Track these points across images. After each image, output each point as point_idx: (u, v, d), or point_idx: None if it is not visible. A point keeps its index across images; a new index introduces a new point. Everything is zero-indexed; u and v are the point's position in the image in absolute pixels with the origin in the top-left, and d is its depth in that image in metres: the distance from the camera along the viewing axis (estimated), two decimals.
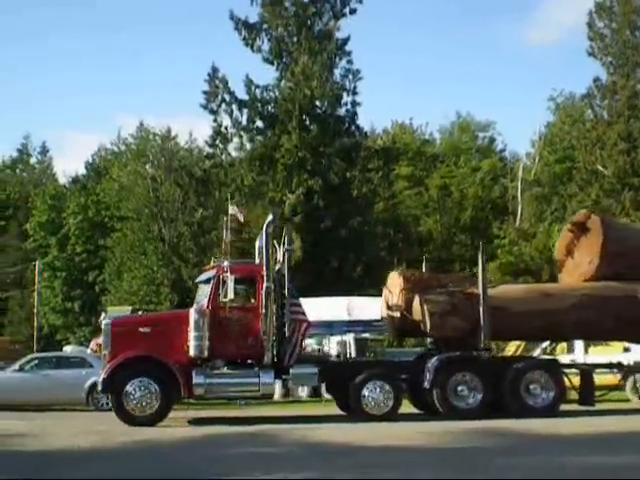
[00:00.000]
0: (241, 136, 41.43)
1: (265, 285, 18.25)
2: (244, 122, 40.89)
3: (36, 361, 26.02)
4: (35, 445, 14.07)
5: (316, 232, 38.09)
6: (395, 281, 20.94)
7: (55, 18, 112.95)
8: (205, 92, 40.77)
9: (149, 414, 17.70)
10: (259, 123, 41.14)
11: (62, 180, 77.48)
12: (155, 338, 18.30)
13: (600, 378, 21.46)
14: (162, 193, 52.27)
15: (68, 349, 39.40)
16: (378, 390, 18.73)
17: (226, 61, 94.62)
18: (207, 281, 19.33)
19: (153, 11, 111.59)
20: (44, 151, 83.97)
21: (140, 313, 31.29)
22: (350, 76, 40.87)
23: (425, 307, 19.54)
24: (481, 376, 19.09)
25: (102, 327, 18.92)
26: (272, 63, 41.27)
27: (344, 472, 10.45)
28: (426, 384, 19.05)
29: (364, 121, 59.78)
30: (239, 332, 18.48)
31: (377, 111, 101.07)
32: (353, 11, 41.19)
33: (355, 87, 40.84)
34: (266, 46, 41.08)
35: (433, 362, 19.17)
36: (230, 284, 18.39)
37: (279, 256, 19.88)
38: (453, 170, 62.76)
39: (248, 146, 41.58)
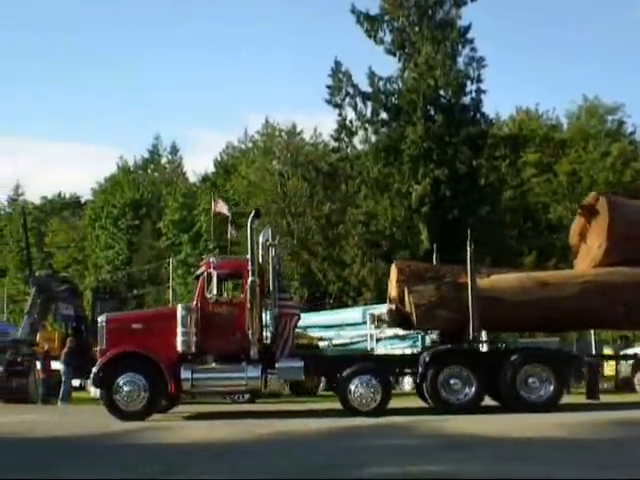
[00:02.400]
0: (366, 129, 41.51)
1: (250, 280, 18.38)
2: (368, 115, 40.97)
3: None
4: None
5: (443, 222, 37.86)
6: (393, 272, 20.64)
7: (181, 30, 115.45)
8: (329, 86, 41.03)
9: (137, 408, 18.20)
10: (383, 115, 41.14)
11: (192, 179, 79.24)
12: (146, 334, 18.78)
13: None
14: (289, 188, 52.86)
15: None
16: (365, 385, 18.49)
17: (349, 55, 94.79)
18: (197, 277, 19.79)
19: (277, 10, 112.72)
20: (174, 151, 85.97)
21: None
22: (474, 64, 40.40)
23: (411, 299, 19.14)
24: (474, 369, 18.54)
25: (98, 324, 19.58)
26: (394, 54, 41.19)
27: (484, 463, 10.42)
28: (417, 378, 18.90)
29: (489, 109, 58.98)
30: (226, 327, 18.74)
31: (502, 98, 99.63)
32: None
33: (479, 75, 40.36)
34: (388, 37, 41.07)
35: (424, 355, 18.89)
36: (215, 280, 18.82)
37: (272, 252, 19.93)
38: (582, 155, 61.22)
39: (373, 138, 41.66)
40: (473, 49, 40.48)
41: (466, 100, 40.95)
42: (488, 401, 18.99)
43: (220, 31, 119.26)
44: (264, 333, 19.25)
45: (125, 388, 18.24)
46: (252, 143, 70.29)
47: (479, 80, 40.39)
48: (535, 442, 12.63)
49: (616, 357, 23.73)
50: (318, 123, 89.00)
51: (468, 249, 19.23)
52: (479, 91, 40.64)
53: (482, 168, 40.66)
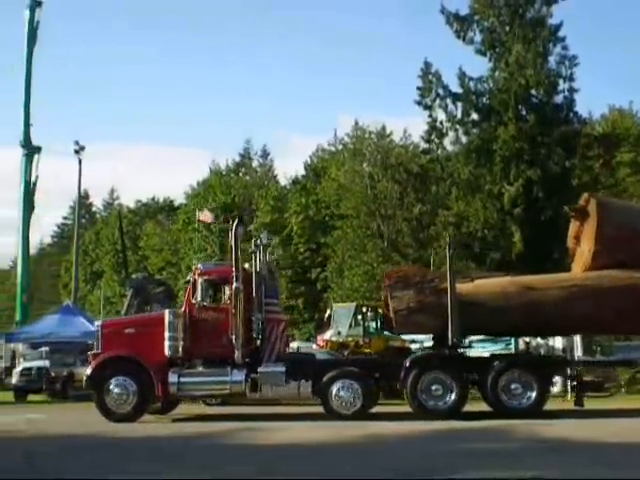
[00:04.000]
0: (456, 130, 41.17)
1: (234, 286, 18.86)
2: (459, 115, 40.63)
3: None
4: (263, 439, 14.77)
5: (537, 223, 37.41)
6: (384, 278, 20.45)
7: (267, 33, 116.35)
8: (419, 88, 40.87)
9: (127, 411, 18.86)
10: (474, 116, 40.77)
11: (283, 181, 79.83)
12: (138, 339, 19.48)
13: None
14: (379, 190, 52.80)
15: (295, 345, 40.50)
16: (346, 389, 18.55)
17: (439, 56, 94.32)
18: (187, 283, 20.36)
19: (365, 11, 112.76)
20: (265, 154, 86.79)
21: (364, 309, 32.01)
22: (565, 62, 39.79)
23: (391, 304, 19.06)
24: (454, 375, 18.42)
25: (94, 330, 20.07)
26: (485, 54, 40.83)
27: (580, 468, 10.34)
28: (399, 383, 18.77)
29: (582, 108, 58.03)
30: (212, 332, 19.24)
31: (595, 97, 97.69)
32: None
33: (571, 73, 39.68)
34: (478, 37, 40.71)
35: (406, 361, 18.76)
36: (200, 286, 19.39)
37: (261, 257, 20.42)
38: None
39: (464, 139, 41.29)
40: (565, 47, 39.87)
41: (558, 99, 40.37)
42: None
43: (308, 33, 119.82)
44: (254, 338, 19.65)
45: (115, 391, 19.05)
46: (342, 145, 70.46)
47: (571, 79, 39.78)
48: (632, 447, 12.45)
49: (599, 363, 23.71)
50: (408, 125, 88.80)
51: (447, 253, 19.46)
52: (571, 90, 40.01)
53: (575, 168, 40.03)
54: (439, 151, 42.06)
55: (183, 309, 19.72)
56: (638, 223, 19.08)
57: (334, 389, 18.84)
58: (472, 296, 19.00)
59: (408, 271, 21.75)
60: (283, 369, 19.27)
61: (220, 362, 19.32)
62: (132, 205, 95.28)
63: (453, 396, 18.47)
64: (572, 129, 40.28)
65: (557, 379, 30.26)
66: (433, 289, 19.21)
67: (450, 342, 18.70)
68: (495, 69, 40.82)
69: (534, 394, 18.35)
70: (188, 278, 20.91)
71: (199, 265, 20.72)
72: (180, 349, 19.20)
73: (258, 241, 20.80)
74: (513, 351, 32.54)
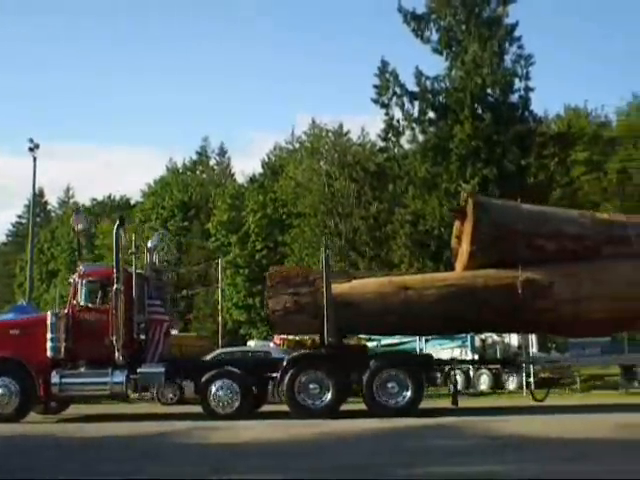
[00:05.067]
0: (413, 128, 41.31)
1: (114, 287, 18.97)
2: (416, 114, 40.77)
3: (223, 356, 26.88)
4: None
5: None
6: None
7: (234, 31, 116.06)
8: (376, 86, 40.94)
9: (10, 411, 19.02)
10: (431, 114, 40.93)
11: (240, 179, 79.67)
12: (22, 340, 19.60)
13: None
14: (337, 189, 52.82)
15: (252, 344, 40.45)
16: (225, 389, 18.79)
17: (396, 54, 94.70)
18: (70, 284, 20.58)
19: (325, 9, 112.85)
20: (222, 152, 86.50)
21: None
22: (521, 61, 40.06)
23: (269, 305, 19.34)
24: (331, 374, 18.54)
25: None
26: (441, 53, 40.98)
27: (536, 464, 10.38)
28: (276, 382, 18.94)
29: (537, 107, 58.48)
30: (94, 333, 19.31)
31: (550, 96, 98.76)
32: None
33: (527, 72, 39.94)
34: (435, 36, 40.88)
35: (283, 360, 19.08)
36: (82, 287, 19.64)
37: (148, 258, 20.79)
38: (632, 153, 60.52)
39: (421, 138, 41.45)
40: (520, 47, 40.13)
41: (514, 98, 40.64)
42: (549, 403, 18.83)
43: (266, 32, 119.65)
44: (135, 339, 19.68)
45: None
46: (299, 144, 70.47)
47: (527, 78, 40.05)
48: (587, 442, 12.54)
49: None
50: (365, 123, 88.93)
51: (322, 255, 19.56)
52: (527, 89, 40.29)
53: (531, 167, 40.32)
54: (396, 149, 42.21)
55: (66, 310, 19.86)
56: (515, 223, 19.15)
57: (213, 389, 18.99)
58: (348, 296, 19.05)
59: (290, 271, 21.84)
60: (162, 370, 19.43)
61: (102, 363, 19.36)
62: (88, 203, 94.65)
63: (329, 395, 18.54)
64: (528, 128, 40.57)
65: (513, 377, 30.82)
66: (311, 290, 19.21)
67: (325, 342, 18.76)
68: (451, 68, 40.99)
69: (409, 393, 18.45)
70: (70, 280, 20.92)
71: (81, 266, 20.94)
72: (62, 350, 19.27)
73: (149, 243, 20.98)
74: (470, 348, 32.86)
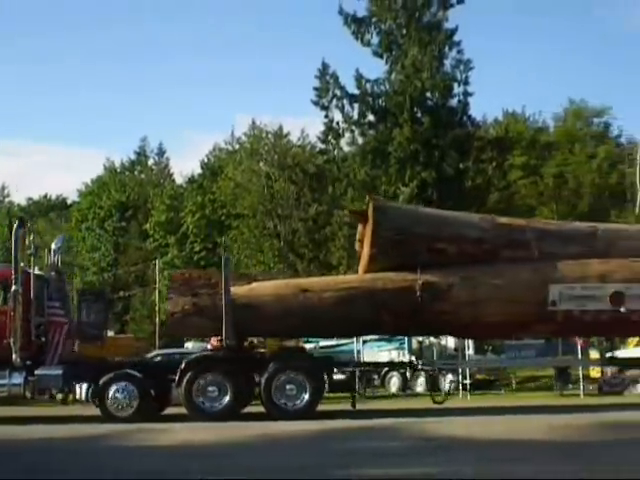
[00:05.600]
0: (353, 131, 41.46)
1: (12, 288, 18.80)
2: (355, 117, 40.91)
3: (159, 357, 26.67)
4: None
5: None
6: None
7: (175, 32, 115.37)
8: (316, 88, 40.96)
9: None
10: (370, 117, 41.07)
11: (179, 180, 79.19)
12: None
13: None
14: (276, 190, 52.81)
15: (189, 345, 40.14)
16: (122, 391, 18.75)
17: (336, 57, 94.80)
18: None
19: (265, 10, 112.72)
20: (161, 152, 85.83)
21: None
22: (461, 66, 40.41)
23: (168, 307, 19.46)
24: (230, 377, 18.60)
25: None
26: (382, 56, 41.12)
27: (468, 465, 10.42)
28: (174, 384, 18.93)
29: (476, 111, 59.06)
30: None
31: (489, 101, 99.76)
32: (461, 0, 40.72)
33: (466, 77, 40.35)
34: (375, 40, 40.99)
35: (181, 363, 19.02)
36: None
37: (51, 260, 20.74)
38: (568, 158, 61.49)
39: (360, 140, 41.59)
40: (460, 51, 40.51)
41: (453, 102, 41.01)
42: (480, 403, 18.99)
43: (207, 31, 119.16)
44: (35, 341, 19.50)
45: None
46: (239, 145, 70.26)
47: (466, 82, 40.43)
48: (520, 444, 12.64)
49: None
50: (305, 125, 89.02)
51: (223, 258, 19.61)
52: (466, 94, 40.69)
53: (469, 171, 40.69)
54: (335, 152, 42.32)
55: None
56: (415, 226, 19.24)
57: (111, 391, 18.87)
58: (248, 299, 18.99)
59: (193, 273, 21.68)
60: (60, 372, 19.24)
61: (0, 365, 19.10)
62: (23, 203, 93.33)
63: (227, 398, 18.48)
64: (466, 132, 40.99)
65: (449, 377, 30.95)
66: (210, 292, 19.10)
67: (224, 344, 18.69)
68: (391, 71, 41.16)
69: (307, 396, 18.46)
70: None
71: None
72: None
73: (52, 245, 20.85)
74: (407, 350, 33.00)
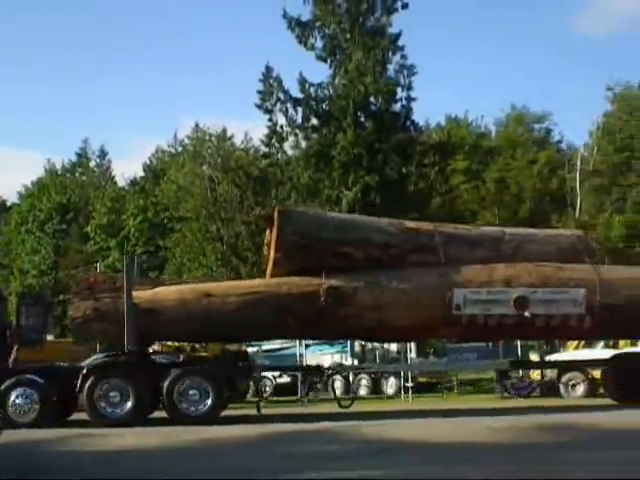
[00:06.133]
0: (296, 134, 41.51)
1: None
2: (299, 120, 40.96)
3: (98, 361, 26.36)
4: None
5: None
6: None
7: (110, 20, 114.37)
8: (260, 92, 40.93)
9: None
10: (314, 121, 41.13)
11: (121, 182, 78.53)
12: None
13: None
14: (219, 193, 52.63)
15: None
16: (25, 397, 18.74)
17: (280, 60, 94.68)
18: None
19: (209, 12, 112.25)
20: (103, 154, 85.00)
21: None
22: (404, 71, 40.68)
23: (70, 312, 19.43)
24: (132, 382, 18.55)
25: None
26: (325, 61, 41.22)
27: (411, 468, 10.46)
28: (76, 389, 18.83)
29: (419, 116, 59.45)
30: None
31: (432, 106, 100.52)
32: (405, 6, 40.85)
33: (410, 82, 40.60)
34: (319, 44, 41.07)
35: (83, 368, 19.07)
36: None
37: None
38: (510, 163, 62.20)
39: (304, 144, 41.62)
40: (404, 57, 40.73)
41: (396, 107, 41.23)
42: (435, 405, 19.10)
43: (150, 32, 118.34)
44: None
45: None
46: (182, 147, 69.90)
47: (409, 88, 40.70)
48: (461, 446, 12.74)
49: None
50: (249, 128, 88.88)
51: (124, 263, 19.73)
52: (409, 98, 40.95)
53: (412, 175, 40.98)
54: (279, 155, 42.27)
55: None
56: (321, 231, 19.32)
57: (12, 397, 18.77)
58: (150, 303, 18.88)
59: (98, 277, 21.70)
60: None
61: None
62: None
63: (130, 403, 18.38)
64: (409, 137, 41.27)
65: (392, 381, 31.28)
66: (112, 296, 18.96)
67: (126, 349, 18.54)
68: (335, 76, 41.25)
69: (209, 401, 18.44)
70: None
71: None
72: None
73: None
74: (349, 354, 33.11)
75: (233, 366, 20.74)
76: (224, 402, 19.17)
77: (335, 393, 22.33)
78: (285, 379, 31.61)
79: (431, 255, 19.29)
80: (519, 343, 27.45)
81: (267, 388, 32.25)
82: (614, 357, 22.75)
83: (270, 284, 19.22)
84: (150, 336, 19.32)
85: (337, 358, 33.51)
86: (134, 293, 18.80)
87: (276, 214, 19.32)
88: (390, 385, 32.21)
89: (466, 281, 18.91)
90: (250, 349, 32.42)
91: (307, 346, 31.59)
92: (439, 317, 18.77)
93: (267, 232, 20.19)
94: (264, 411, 20.51)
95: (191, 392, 18.41)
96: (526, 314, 18.60)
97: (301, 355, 31.38)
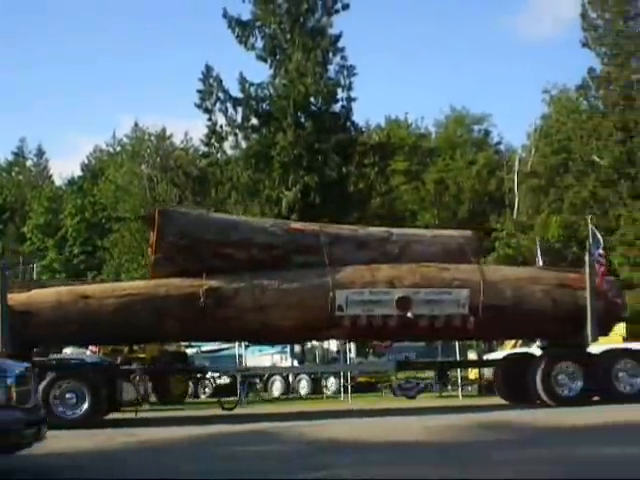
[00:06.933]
0: (236, 134, 41.37)
1: None
2: (239, 120, 40.82)
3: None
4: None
5: None
6: None
7: (47, 17, 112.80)
8: (199, 91, 40.68)
9: None
10: (254, 121, 41.04)
11: (58, 182, 77.67)
12: None
13: None
14: (158, 193, 52.34)
15: (68, 351, 39.27)
16: None
17: (221, 60, 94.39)
18: None
19: (148, 11, 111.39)
20: (40, 153, 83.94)
21: None
22: (344, 72, 40.79)
23: None
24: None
25: None
26: (266, 60, 41.20)
27: (350, 469, 10.45)
28: None
29: (359, 117, 59.74)
30: None
31: (372, 107, 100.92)
32: (345, 7, 41.03)
33: (350, 83, 40.76)
34: (260, 44, 41.06)
35: None
36: None
37: None
38: (449, 164, 62.80)
39: (243, 144, 41.55)
40: (344, 57, 40.90)
41: (336, 108, 41.34)
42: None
43: (90, 30, 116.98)
44: None
45: None
46: (121, 147, 69.36)
47: (349, 88, 40.84)
48: (398, 445, 12.77)
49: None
50: (189, 128, 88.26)
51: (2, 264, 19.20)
52: (349, 99, 41.09)
53: (351, 175, 41.07)
54: (219, 155, 42.10)
55: None
56: (203, 232, 19.10)
57: None
58: (26, 306, 18.49)
59: None
60: None
61: None
62: None
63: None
64: (349, 137, 41.37)
65: (332, 381, 31.26)
66: None
67: (0, 352, 17.91)
68: (275, 76, 41.23)
69: (86, 405, 18.12)
70: None
71: None
72: None
73: None
74: (288, 354, 33.09)
75: (114, 369, 20.47)
76: (102, 406, 18.66)
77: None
78: (225, 380, 31.47)
79: (316, 256, 19.09)
80: (457, 342, 27.62)
81: (206, 389, 32.17)
82: (505, 358, 23.10)
83: (148, 286, 18.90)
84: (26, 339, 18.44)
85: (277, 359, 33.48)
86: (9, 295, 18.33)
87: (157, 215, 18.95)
88: (330, 385, 32.26)
89: (349, 282, 18.79)
90: (189, 350, 32.29)
91: (247, 346, 31.47)
92: (322, 318, 18.58)
93: (151, 233, 19.71)
94: (203, 412, 20.34)
95: (68, 396, 18.01)
96: (409, 315, 18.54)
97: (240, 356, 31.27)
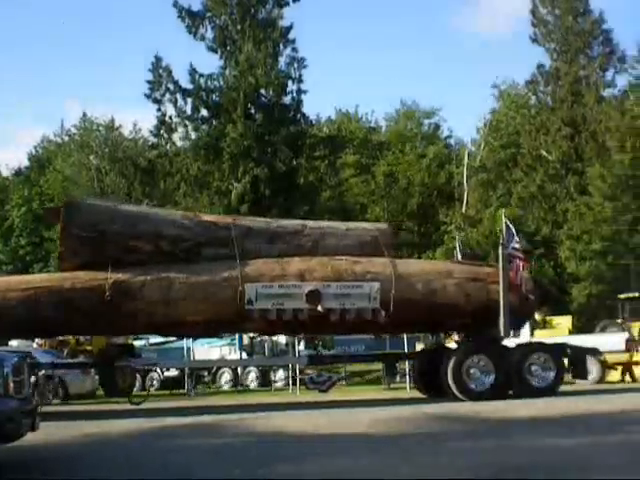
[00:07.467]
0: (186, 125, 41.23)
1: None
2: (189, 111, 40.67)
3: None
4: None
5: None
6: None
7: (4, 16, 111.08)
8: (149, 81, 40.38)
9: None
10: (204, 112, 40.94)
11: (5, 172, 76.56)
12: None
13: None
14: (107, 184, 51.92)
15: (14, 344, 38.81)
16: None
17: (171, 50, 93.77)
18: None
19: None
20: None
21: None
22: (295, 64, 40.78)
23: None
24: None
25: None
26: (216, 51, 41.10)
27: (295, 462, 10.46)
28: None
29: (310, 109, 59.76)
30: None
31: (323, 99, 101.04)
32: None
33: (300, 75, 40.78)
34: (210, 34, 40.98)
35: None
36: None
37: None
38: (399, 157, 63.04)
39: (193, 135, 41.44)
40: (295, 49, 40.94)
41: (287, 100, 41.32)
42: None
43: (39, 17, 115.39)
44: None
45: None
46: (69, 137, 68.60)
47: (300, 80, 40.83)
48: (343, 437, 12.81)
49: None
50: (138, 118, 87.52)
51: None
52: (300, 91, 41.08)
53: (301, 168, 41.11)
54: (168, 146, 41.82)
55: None
56: (110, 224, 18.73)
57: None
58: None
59: None
60: None
61: None
62: None
63: None
64: (299, 129, 41.37)
65: (281, 373, 31.22)
66: None
67: None
68: (226, 67, 41.14)
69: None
70: None
71: None
72: None
73: None
74: (237, 347, 32.99)
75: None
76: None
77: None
78: (173, 372, 31.29)
79: (226, 249, 18.86)
80: (405, 335, 27.70)
81: (154, 382, 31.95)
82: (421, 351, 23.08)
83: (53, 279, 18.59)
84: None
85: (225, 351, 33.34)
86: None
87: (62, 208, 18.67)
88: (279, 377, 32.21)
89: (259, 275, 18.57)
90: (137, 342, 32.02)
91: (194, 339, 31.29)
92: (233, 312, 18.32)
93: (59, 226, 19.34)
94: (151, 405, 20.20)
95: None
96: (319, 308, 18.40)
97: (189, 348, 31.07)
